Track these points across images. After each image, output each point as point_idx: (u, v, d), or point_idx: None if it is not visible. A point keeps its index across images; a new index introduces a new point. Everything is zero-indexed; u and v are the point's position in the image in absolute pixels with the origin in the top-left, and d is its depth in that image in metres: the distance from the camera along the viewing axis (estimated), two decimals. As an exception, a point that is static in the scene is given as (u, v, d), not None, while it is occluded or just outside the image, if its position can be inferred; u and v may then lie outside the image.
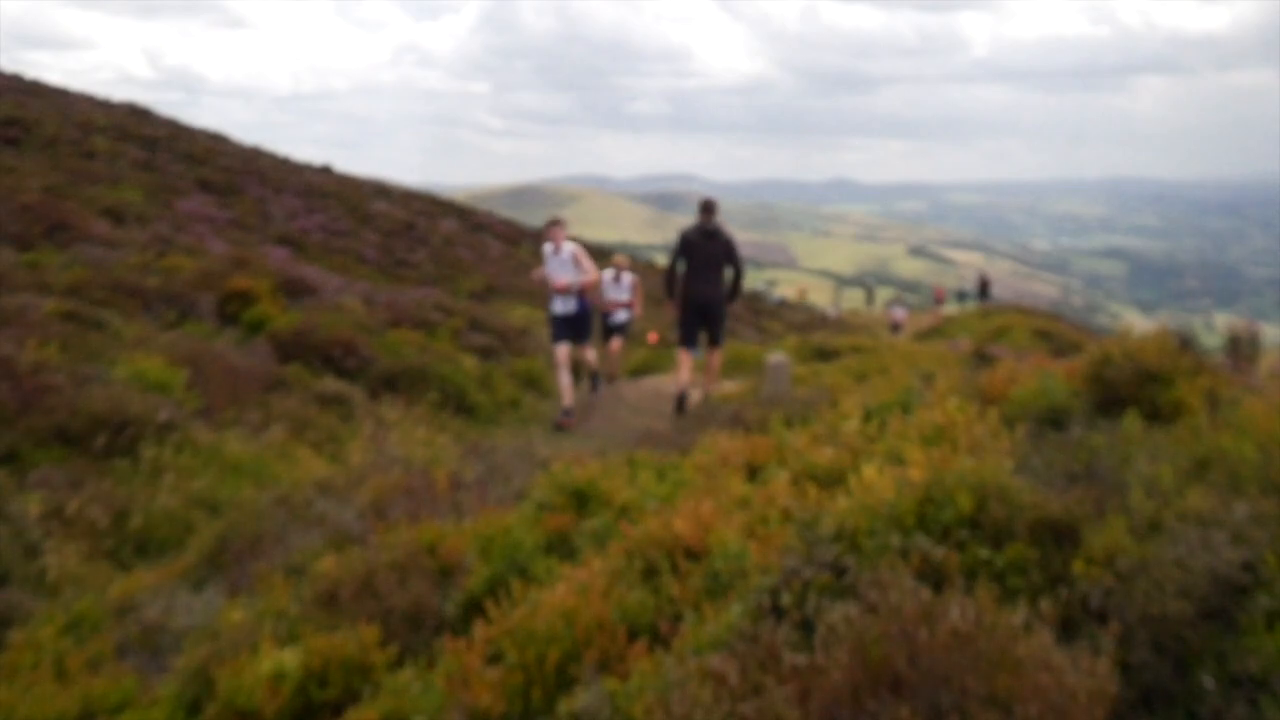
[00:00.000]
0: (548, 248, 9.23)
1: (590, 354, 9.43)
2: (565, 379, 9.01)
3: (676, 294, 8.50)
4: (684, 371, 8.58)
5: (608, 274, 11.08)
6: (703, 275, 8.33)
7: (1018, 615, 1.75)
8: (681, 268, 8.43)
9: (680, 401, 8.43)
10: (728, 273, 8.46)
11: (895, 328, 28.54)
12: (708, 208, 8.51)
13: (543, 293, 10.00)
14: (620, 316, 11.48)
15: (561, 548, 3.12)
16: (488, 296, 19.83)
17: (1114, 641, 1.73)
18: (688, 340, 8.58)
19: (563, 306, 8.97)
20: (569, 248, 9.06)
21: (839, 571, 2.05)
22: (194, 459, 6.01)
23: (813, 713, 1.65)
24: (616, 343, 11.38)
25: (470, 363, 10.58)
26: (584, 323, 9.10)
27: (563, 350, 8.95)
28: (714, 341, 8.59)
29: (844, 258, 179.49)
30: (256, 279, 10.65)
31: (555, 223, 9.32)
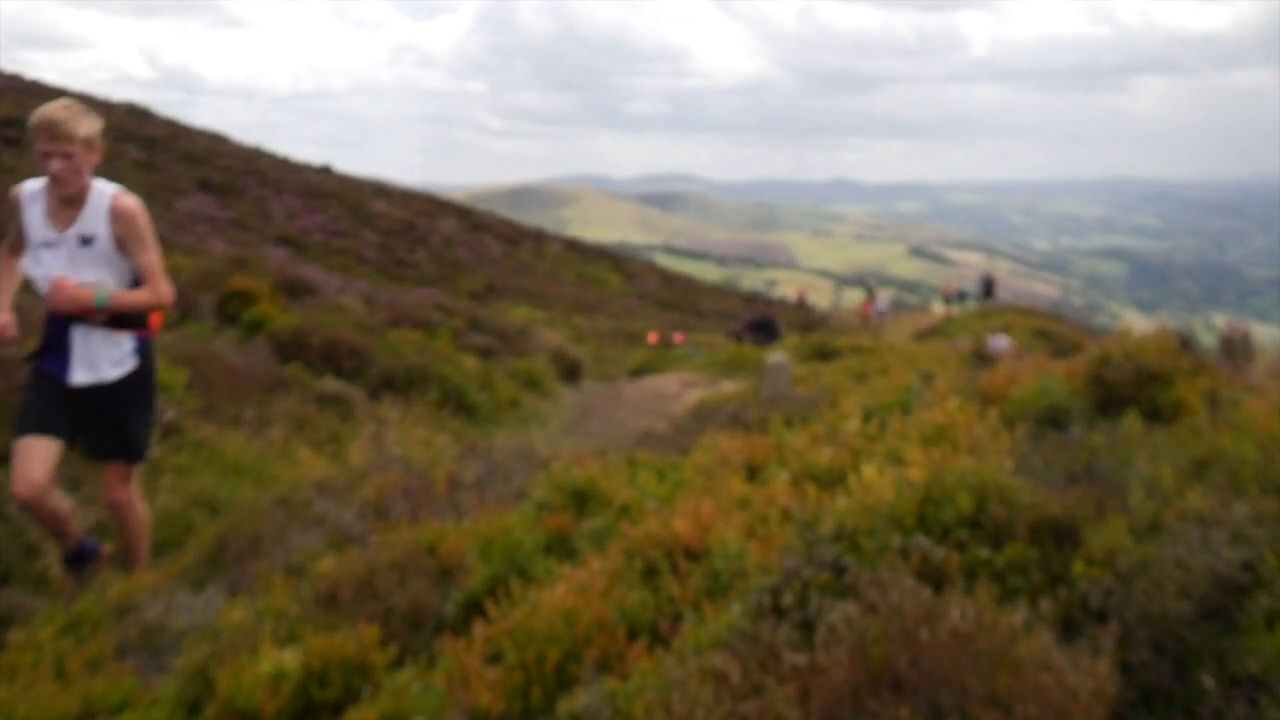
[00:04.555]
0: None
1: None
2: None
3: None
4: None
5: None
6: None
7: (1018, 615, 1.75)
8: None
9: None
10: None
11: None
12: None
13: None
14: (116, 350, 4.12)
15: (561, 548, 3.12)
16: (488, 296, 19.81)
17: (1114, 641, 1.73)
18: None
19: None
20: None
21: (839, 571, 2.05)
22: (194, 459, 6.01)
23: (813, 712, 1.65)
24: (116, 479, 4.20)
25: (470, 363, 10.58)
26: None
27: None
28: None
29: (844, 258, 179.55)
30: (256, 279, 10.65)
31: None
